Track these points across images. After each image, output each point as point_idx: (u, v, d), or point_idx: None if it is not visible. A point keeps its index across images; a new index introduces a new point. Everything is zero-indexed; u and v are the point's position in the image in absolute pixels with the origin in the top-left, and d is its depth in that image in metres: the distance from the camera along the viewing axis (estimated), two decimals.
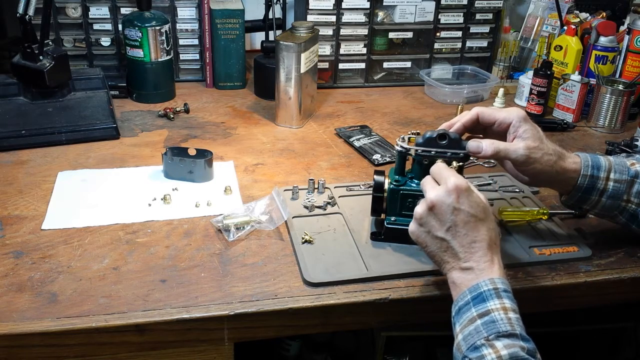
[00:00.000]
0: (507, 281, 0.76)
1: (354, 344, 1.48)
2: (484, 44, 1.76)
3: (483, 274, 0.75)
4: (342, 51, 1.65)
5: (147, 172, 1.17)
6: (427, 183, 0.82)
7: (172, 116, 1.42)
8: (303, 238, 0.96)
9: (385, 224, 0.97)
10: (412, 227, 0.82)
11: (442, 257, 0.79)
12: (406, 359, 1.26)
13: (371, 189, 0.96)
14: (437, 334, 1.24)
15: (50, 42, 1.31)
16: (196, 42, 1.63)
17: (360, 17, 1.62)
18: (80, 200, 1.06)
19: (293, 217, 1.02)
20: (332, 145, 1.33)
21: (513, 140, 0.87)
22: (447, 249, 0.78)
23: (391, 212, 0.96)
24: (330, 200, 1.07)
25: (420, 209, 0.80)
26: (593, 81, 1.50)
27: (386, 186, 0.95)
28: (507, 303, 0.72)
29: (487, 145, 0.85)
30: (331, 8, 1.59)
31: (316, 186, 1.11)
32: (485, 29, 1.74)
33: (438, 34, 1.70)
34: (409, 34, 1.68)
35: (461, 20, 1.70)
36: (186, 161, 1.13)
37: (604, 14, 1.69)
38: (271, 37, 1.67)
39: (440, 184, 0.80)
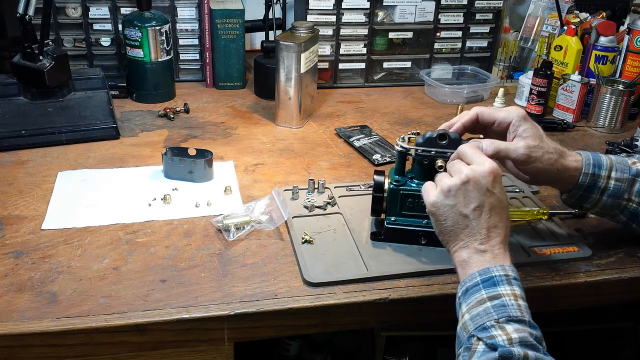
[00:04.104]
0: (517, 270, 0.76)
1: (354, 344, 1.48)
2: (484, 44, 1.76)
3: (496, 259, 0.76)
4: (342, 51, 1.65)
5: (147, 172, 1.17)
6: (457, 162, 0.82)
7: (172, 116, 1.42)
8: (303, 238, 0.96)
9: (385, 224, 0.97)
10: (435, 197, 0.81)
11: (457, 233, 0.79)
12: (406, 359, 1.26)
13: (371, 189, 0.96)
14: (437, 334, 1.24)
15: (50, 42, 1.31)
16: (196, 42, 1.63)
17: (360, 17, 1.62)
18: (80, 200, 1.06)
19: (293, 217, 1.02)
20: (332, 145, 1.33)
21: (513, 140, 0.87)
22: (466, 227, 0.78)
23: (391, 212, 0.96)
24: (330, 200, 1.07)
25: (451, 181, 0.79)
26: (593, 81, 1.50)
27: (386, 186, 0.95)
28: (517, 291, 0.73)
29: (487, 145, 0.85)
30: (331, 8, 1.59)
31: (316, 186, 1.11)
32: (485, 29, 1.74)
33: (438, 34, 1.70)
34: (409, 34, 1.68)
35: (461, 20, 1.70)
36: (186, 161, 1.12)
37: (604, 14, 1.69)
38: (271, 37, 1.67)
39: (472, 162, 0.80)
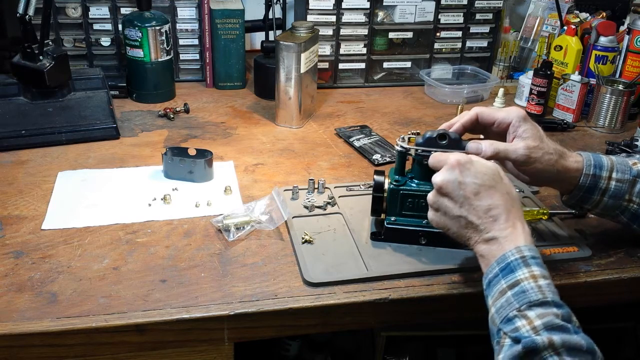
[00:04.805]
0: (534, 246, 0.75)
1: (354, 344, 1.48)
2: (484, 44, 1.76)
3: (507, 241, 0.75)
4: (342, 51, 1.65)
5: (147, 172, 1.17)
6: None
7: (172, 116, 1.42)
8: (303, 238, 0.96)
9: (385, 224, 0.96)
10: (430, 215, 0.85)
11: (464, 234, 0.80)
12: (406, 359, 1.26)
13: (371, 189, 0.96)
14: (437, 334, 1.24)
15: (50, 42, 1.31)
16: (196, 42, 1.63)
17: (360, 17, 1.62)
18: (80, 200, 1.06)
19: (293, 217, 1.02)
20: (332, 145, 1.33)
21: (513, 140, 0.87)
22: (467, 224, 0.79)
23: (391, 212, 0.96)
24: (330, 200, 1.07)
25: (431, 195, 0.83)
26: (593, 81, 1.50)
27: (386, 186, 0.95)
28: (536, 270, 0.72)
29: (486, 147, 0.85)
30: (331, 8, 1.59)
31: (316, 186, 1.11)
32: (485, 29, 1.74)
33: (438, 34, 1.70)
34: (409, 34, 1.68)
35: (461, 20, 1.70)
36: (186, 161, 1.12)
37: (604, 14, 1.69)
38: (271, 37, 1.67)
39: (440, 168, 0.82)
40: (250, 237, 0.97)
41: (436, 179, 0.81)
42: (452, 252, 0.93)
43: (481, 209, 0.77)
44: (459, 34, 1.72)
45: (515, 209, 0.78)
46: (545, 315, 0.68)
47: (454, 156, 0.80)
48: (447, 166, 0.80)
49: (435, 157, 0.85)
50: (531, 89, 1.50)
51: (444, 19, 1.68)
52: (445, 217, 0.82)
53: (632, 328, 1.32)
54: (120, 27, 1.50)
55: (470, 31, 1.72)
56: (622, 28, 1.61)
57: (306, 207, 1.05)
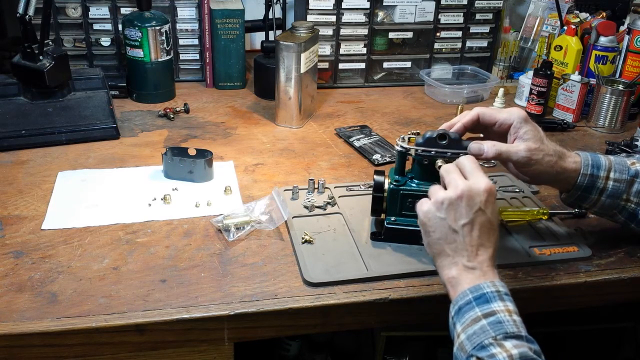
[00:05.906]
0: (507, 286, 0.76)
1: (354, 344, 1.48)
2: (484, 44, 1.76)
3: (486, 276, 0.75)
4: (342, 51, 1.65)
5: (147, 172, 1.17)
6: (453, 171, 0.80)
7: (172, 116, 1.42)
8: (303, 238, 0.96)
9: (385, 224, 0.97)
10: (428, 206, 0.79)
11: (443, 247, 0.78)
12: (406, 359, 1.26)
13: (371, 189, 0.96)
14: (437, 334, 1.24)
15: (50, 42, 1.31)
16: (196, 42, 1.63)
17: (360, 17, 1.62)
18: (80, 200, 1.06)
19: (293, 217, 1.02)
20: (332, 145, 1.33)
21: (514, 141, 0.87)
22: (453, 242, 0.77)
23: (391, 212, 0.96)
24: (330, 200, 1.07)
25: (445, 194, 0.78)
26: (593, 81, 1.50)
27: (386, 186, 0.95)
28: (510, 306, 0.72)
29: (488, 148, 0.85)
30: (331, 8, 1.59)
31: (316, 186, 1.11)
32: (485, 29, 1.74)
33: (438, 34, 1.70)
34: (409, 34, 1.68)
35: (461, 20, 1.70)
36: (186, 161, 1.13)
37: (604, 14, 1.69)
38: (271, 37, 1.67)
39: (470, 178, 0.78)
40: (250, 237, 0.97)
41: (462, 185, 0.77)
42: None
43: (476, 241, 0.76)
44: (459, 34, 1.72)
45: (495, 257, 0.78)
46: (520, 346, 0.67)
47: (488, 182, 0.77)
48: (478, 184, 0.76)
49: (471, 165, 0.79)
50: (531, 89, 1.50)
51: (444, 19, 1.68)
52: (440, 220, 0.78)
53: (632, 328, 1.32)
54: (120, 27, 1.50)
55: (470, 31, 1.72)
56: (622, 28, 1.61)
57: (306, 207, 1.05)
